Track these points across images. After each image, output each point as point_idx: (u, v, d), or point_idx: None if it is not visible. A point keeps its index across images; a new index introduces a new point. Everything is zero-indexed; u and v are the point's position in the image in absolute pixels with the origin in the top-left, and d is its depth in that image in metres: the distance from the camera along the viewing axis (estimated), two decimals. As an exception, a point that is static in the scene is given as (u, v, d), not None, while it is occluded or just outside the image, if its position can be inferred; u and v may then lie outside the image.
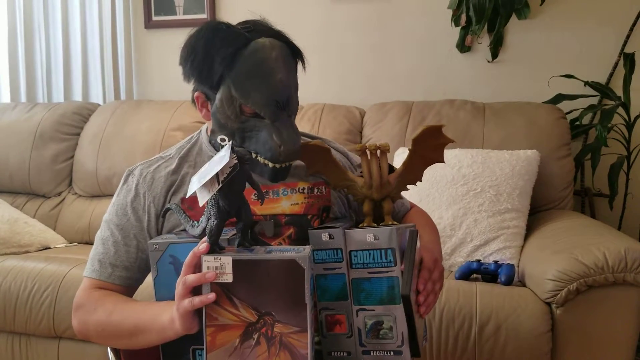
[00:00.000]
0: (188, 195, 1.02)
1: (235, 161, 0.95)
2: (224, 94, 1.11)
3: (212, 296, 0.94)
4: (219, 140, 1.05)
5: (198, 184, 0.96)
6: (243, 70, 1.08)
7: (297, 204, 1.19)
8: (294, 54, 1.15)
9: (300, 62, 1.18)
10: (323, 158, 1.16)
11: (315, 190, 1.22)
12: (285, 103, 1.10)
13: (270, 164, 1.10)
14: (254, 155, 1.10)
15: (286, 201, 1.19)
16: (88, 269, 1.20)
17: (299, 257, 0.95)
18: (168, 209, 1.16)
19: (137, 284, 1.22)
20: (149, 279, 1.15)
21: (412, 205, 1.43)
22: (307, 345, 0.96)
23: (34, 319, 2.05)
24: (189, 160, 1.22)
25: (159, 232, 1.19)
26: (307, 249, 0.99)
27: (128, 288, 1.20)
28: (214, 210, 0.97)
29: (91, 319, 1.14)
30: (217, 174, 0.94)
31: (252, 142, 1.11)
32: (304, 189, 1.21)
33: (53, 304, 2.02)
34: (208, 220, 0.98)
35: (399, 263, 1.02)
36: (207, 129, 1.25)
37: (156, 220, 1.19)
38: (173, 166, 1.21)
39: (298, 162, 1.20)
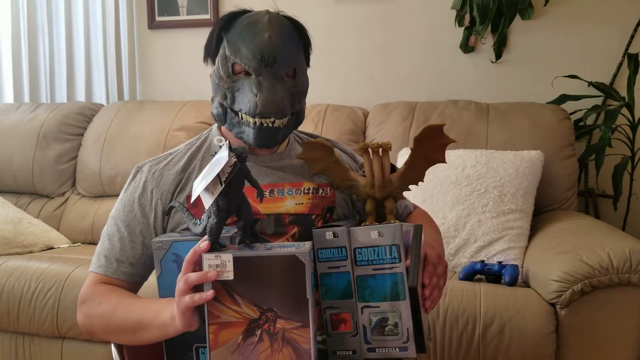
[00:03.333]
0: (193, 199, 1.02)
1: (235, 160, 0.95)
2: (220, 55, 1.18)
3: (210, 293, 0.95)
4: (215, 142, 1.05)
5: (201, 187, 0.96)
6: (237, 31, 1.16)
7: (302, 203, 1.20)
8: (300, 36, 1.21)
9: (306, 48, 1.23)
10: (326, 156, 1.16)
11: (320, 191, 1.22)
12: (271, 60, 1.12)
13: (252, 121, 1.12)
14: (240, 116, 1.14)
15: (291, 200, 1.19)
16: (94, 264, 1.20)
17: (299, 252, 0.95)
18: (172, 207, 1.16)
19: (142, 280, 1.22)
20: (152, 278, 1.15)
21: (415, 207, 1.43)
22: (310, 341, 0.96)
23: (37, 319, 2.05)
24: (198, 158, 1.23)
25: (164, 229, 1.19)
26: (307, 244, 0.99)
27: (133, 284, 1.20)
28: (214, 208, 0.98)
29: (95, 313, 1.14)
30: (218, 174, 0.95)
31: (237, 100, 1.14)
32: (309, 189, 1.21)
33: (56, 304, 2.02)
34: (208, 218, 0.99)
35: (403, 259, 1.02)
36: (217, 126, 1.27)
37: (162, 217, 1.19)
38: (182, 163, 1.22)
39: (302, 162, 1.20)
